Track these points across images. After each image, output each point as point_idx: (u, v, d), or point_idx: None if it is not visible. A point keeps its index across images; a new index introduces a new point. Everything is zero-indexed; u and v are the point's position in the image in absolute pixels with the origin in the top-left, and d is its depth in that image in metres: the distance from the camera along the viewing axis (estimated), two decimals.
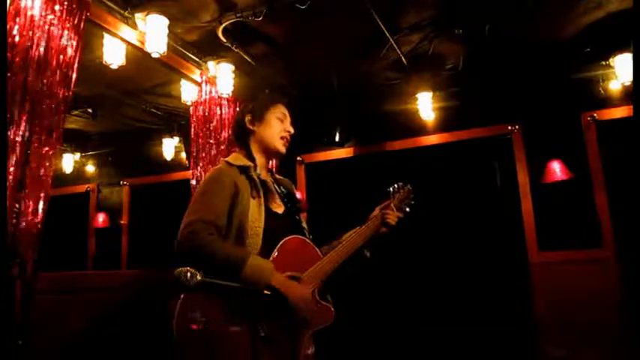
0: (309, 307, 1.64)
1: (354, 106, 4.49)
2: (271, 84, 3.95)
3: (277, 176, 2.00)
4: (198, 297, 1.52)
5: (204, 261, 1.54)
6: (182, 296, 1.54)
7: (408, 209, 2.04)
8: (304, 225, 1.88)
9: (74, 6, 2.19)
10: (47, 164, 1.99)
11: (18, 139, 1.89)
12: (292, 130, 1.90)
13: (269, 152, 1.88)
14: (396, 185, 2.05)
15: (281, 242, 1.69)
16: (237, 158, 1.83)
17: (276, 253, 1.66)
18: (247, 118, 1.87)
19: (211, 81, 3.50)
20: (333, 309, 1.75)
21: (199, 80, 3.45)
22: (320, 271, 1.74)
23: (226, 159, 1.84)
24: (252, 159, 1.84)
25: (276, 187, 1.92)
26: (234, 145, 3.56)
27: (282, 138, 1.87)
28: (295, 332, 1.63)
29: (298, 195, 2.02)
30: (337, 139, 4.49)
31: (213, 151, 3.43)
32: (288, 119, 1.90)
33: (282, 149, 1.88)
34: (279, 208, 1.83)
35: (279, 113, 1.88)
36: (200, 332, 1.51)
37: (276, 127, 1.86)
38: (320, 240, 1.88)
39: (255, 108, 1.88)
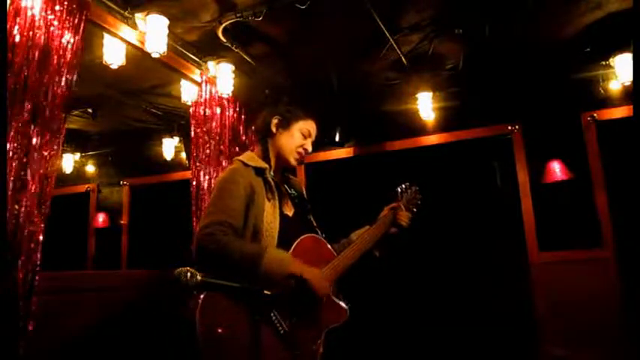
0: (329, 295, 1.66)
1: (354, 106, 4.49)
2: (271, 84, 3.94)
3: (289, 176, 2.00)
4: (218, 298, 1.53)
5: (223, 261, 1.55)
6: (202, 298, 1.54)
7: (415, 210, 2.05)
8: (315, 224, 1.88)
9: (74, 6, 2.19)
10: (48, 164, 1.99)
11: (18, 139, 1.89)
12: (310, 150, 1.88)
13: (281, 160, 1.88)
14: (403, 185, 2.06)
15: (297, 241, 1.70)
16: (252, 158, 1.82)
17: (292, 252, 1.67)
18: (274, 121, 1.86)
19: (211, 81, 3.49)
20: (346, 308, 1.76)
21: (199, 80, 3.44)
22: (335, 270, 1.75)
23: (241, 158, 1.82)
24: (267, 160, 1.84)
25: (287, 188, 1.92)
26: (234, 145, 3.58)
27: (297, 153, 1.86)
28: (315, 327, 1.64)
29: None
30: (337, 139, 4.48)
31: (214, 151, 3.43)
32: (312, 138, 1.89)
33: (294, 163, 1.88)
34: (289, 211, 1.83)
35: (304, 129, 1.87)
36: (223, 334, 1.52)
37: (297, 141, 1.85)
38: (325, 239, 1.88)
39: (285, 114, 1.87)
